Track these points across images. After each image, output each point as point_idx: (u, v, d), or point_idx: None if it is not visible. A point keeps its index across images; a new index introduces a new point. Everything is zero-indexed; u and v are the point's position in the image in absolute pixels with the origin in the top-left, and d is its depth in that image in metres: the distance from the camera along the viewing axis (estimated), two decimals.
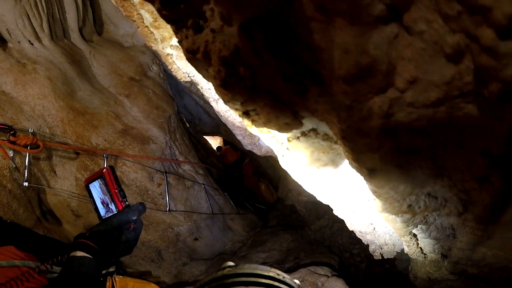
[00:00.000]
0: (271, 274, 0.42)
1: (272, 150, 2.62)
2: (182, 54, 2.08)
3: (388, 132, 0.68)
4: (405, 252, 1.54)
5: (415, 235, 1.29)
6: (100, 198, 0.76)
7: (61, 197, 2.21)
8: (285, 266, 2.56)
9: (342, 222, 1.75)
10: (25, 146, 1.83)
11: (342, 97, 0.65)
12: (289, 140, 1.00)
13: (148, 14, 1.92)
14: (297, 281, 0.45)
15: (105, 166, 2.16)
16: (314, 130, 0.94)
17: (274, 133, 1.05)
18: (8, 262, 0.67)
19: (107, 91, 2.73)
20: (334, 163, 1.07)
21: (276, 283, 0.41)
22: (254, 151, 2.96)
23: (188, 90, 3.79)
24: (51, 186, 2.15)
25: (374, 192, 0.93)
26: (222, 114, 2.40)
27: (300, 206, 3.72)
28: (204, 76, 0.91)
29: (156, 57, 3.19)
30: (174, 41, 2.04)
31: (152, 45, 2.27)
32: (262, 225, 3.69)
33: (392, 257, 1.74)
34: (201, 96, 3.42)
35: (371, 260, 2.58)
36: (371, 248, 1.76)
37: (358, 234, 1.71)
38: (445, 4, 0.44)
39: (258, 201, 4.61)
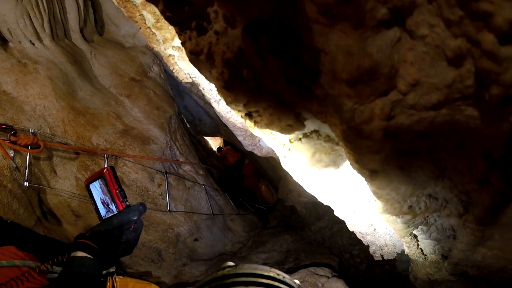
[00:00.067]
0: (271, 274, 0.42)
1: (273, 151, 2.63)
2: (184, 55, 2.09)
3: (389, 134, 0.68)
4: (405, 253, 1.54)
5: (415, 236, 1.30)
6: (101, 198, 0.76)
7: (61, 197, 2.21)
8: (285, 267, 2.57)
9: (342, 223, 1.76)
10: (26, 146, 1.83)
11: (344, 99, 0.66)
12: (291, 142, 1.01)
13: (150, 15, 1.93)
14: (297, 281, 0.45)
15: (106, 166, 2.16)
16: (316, 131, 0.94)
17: (276, 134, 1.05)
18: (8, 262, 0.67)
19: (108, 91, 2.73)
20: (336, 164, 1.08)
21: (276, 283, 0.41)
22: (255, 152, 2.97)
23: (188, 91, 3.80)
24: (52, 186, 2.15)
25: (375, 193, 0.94)
26: (223, 115, 2.41)
27: (300, 207, 3.72)
28: (207, 78, 0.92)
29: (157, 57, 3.19)
30: (176, 42, 2.05)
31: (154, 46, 2.28)
32: (262, 226, 3.70)
33: (393, 258, 1.75)
34: (202, 97, 3.43)
35: (371, 261, 2.58)
36: (371, 249, 1.76)
37: (358, 235, 1.72)
38: (447, 9, 0.45)
39: (258, 201, 4.61)
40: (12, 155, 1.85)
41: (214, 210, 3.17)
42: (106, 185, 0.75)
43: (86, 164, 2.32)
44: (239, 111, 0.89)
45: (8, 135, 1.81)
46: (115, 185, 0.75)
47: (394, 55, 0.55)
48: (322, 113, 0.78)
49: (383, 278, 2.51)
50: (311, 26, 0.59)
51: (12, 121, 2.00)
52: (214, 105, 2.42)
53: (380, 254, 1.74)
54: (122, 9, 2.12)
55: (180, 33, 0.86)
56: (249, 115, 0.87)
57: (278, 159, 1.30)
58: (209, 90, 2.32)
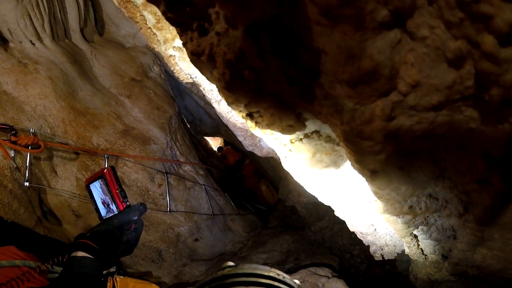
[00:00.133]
0: (271, 274, 0.42)
1: (273, 151, 2.63)
2: (184, 56, 2.10)
3: (390, 134, 0.69)
4: (405, 253, 1.55)
5: (416, 236, 1.30)
6: (101, 198, 0.76)
7: (61, 197, 2.21)
8: (286, 267, 2.57)
9: (342, 223, 1.76)
10: (26, 146, 1.83)
11: (345, 100, 0.67)
12: (292, 142, 1.01)
13: (151, 16, 1.93)
14: (297, 281, 0.45)
15: (106, 166, 2.16)
16: (317, 132, 0.95)
17: (277, 134, 1.06)
18: (9, 262, 0.67)
19: (108, 92, 2.73)
20: (336, 164, 1.08)
21: (276, 283, 0.41)
22: (255, 152, 2.97)
23: (189, 91, 3.80)
24: (52, 186, 2.15)
25: (376, 194, 0.94)
26: (223, 115, 2.41)
27: (300, 207, 3.73)
28: (208, 78, 0.92)
29: (157, 58, 3.20)
30: (177, 42, 2.05)
31: (155, 46, 2.28)
32: (263, 226, 3.70)
33: (393, 258, 1.75)
34: (202, 97, 3.43)
35: (371, 261, 2.59)
36: (372, 249, 1.77)
37: (359, 235, 1.72)
38: (448, 11, 0.45)
39: (259, 202, 4.61)
40: (12, 155, 1.85)
41: (215, 210, 3.18)
42: (107, 185, 0.75)
43: (87, 164, 2.33)
44: (240, 111, 0.89)
45: (9, 135, 1.81)
46: (115, 185, 0.75)
47: (394, 56, 0.56)
48: (323, 113, 0.78)
49: (384, 278, 2.51)
50: (312, 27, 0.59)
51: (12, 121, 2.00)
52: (215, 105, 2.42)
53: (381, 254, 1.74)
54: (123, 10, 2.12)
55: (181, 34, 0.87)
56: (250, 116, 0.88)
57: (279, 159, 1.30)
58: (210, 90, 2.33)
